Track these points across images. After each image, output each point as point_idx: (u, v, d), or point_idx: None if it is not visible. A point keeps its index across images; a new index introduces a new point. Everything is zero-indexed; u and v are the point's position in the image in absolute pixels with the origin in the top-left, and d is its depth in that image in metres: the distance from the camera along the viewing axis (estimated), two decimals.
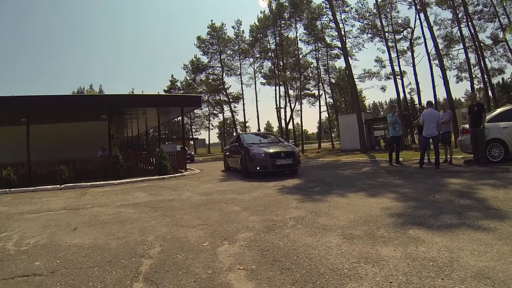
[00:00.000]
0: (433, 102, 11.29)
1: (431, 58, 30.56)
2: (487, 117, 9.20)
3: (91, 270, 2.89)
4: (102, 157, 13.12)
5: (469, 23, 30.42)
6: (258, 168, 9.72)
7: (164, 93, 46.20)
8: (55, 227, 4.71)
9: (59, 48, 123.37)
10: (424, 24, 27.15)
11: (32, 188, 9.87)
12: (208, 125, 56.95)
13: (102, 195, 7.80)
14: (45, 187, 9.90)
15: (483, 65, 30.93)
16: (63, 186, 9.97)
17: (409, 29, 33.94)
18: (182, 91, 50.36)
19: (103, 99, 15.89)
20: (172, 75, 57.15)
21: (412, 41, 34.10)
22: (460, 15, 30.48)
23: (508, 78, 38.89)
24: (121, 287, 2.53)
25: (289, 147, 10.70)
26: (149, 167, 13.68)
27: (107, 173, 11.66)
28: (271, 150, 9.92)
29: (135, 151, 19.78)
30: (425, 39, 30.96)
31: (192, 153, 27.96)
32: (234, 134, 49.99)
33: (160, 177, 11.71)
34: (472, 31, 30.50)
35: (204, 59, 48.81)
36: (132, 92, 53.40)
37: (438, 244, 3.03)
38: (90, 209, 6.05)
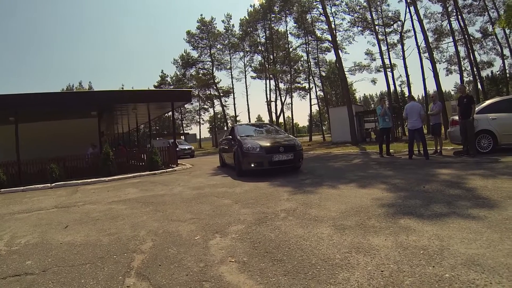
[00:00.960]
0: (414, 96, 11.39)
1: (421, 51, 30.92)
2: (476, 108, 9.30)
3: (83, 267, 2.87)
4: (92, 154, 12.99)
5: (459, 16, 30.71)
6: (252, 166, 8.16)
7: (154, 89, 45.86)
8: (46, 225, 4.65)
9: (47, 46, 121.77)
10: (414, 17, 27.36)
11: (22, 187, 9.72)
12: (199, 120, 56.85)
13: (93, 193, 7.72)
14: (36, 186, 9.76)
15: (472, 58, 31.28)
16: (53, 184, 9.84)
17: (399, 22, 34.17)
18: (172, 86, 50.12)
19: (92, 95, 15.69)
20: (162, 71, 56.90)
21: (402, 34, 34.35)
22: (450, 9, 30.77)
23: (497, 71, 39.29)
24: (114, 283, 2.51)
25: (289, 140, 9.04)
26: (140, 163, 13.57)
27: (98, 170, 11.54)
28: (267, 144, 8.34)
29: (126, 148, 19.62)
30: (415, 32, 31.28)
31: (193, 147, 26.92)
32: (225, 128, 49.85)
33: (151, 172, 11.64)
34: (462, 24, 30.80)
35: (194, 54, 48.72)
36: (122, 88, 52.93)
37: (429, 233, 3.05)
38: (82, 206, 5.99)
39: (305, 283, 2.29)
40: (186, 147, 25.22)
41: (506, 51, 32.11)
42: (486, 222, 3.21)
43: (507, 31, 24.65)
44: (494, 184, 4.88)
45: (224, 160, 11.60)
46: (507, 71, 34.74)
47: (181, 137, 40.41)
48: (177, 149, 18.10)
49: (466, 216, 3.46)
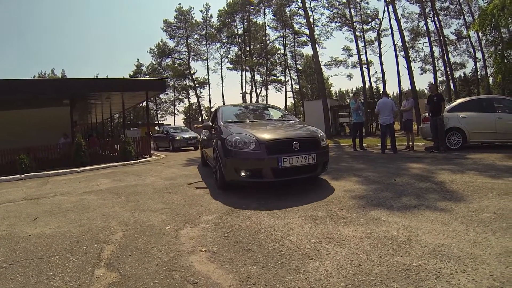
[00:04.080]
0: (387, 92, 11.68)
1: (398, 49, 31.53)
2: (447, 107, 9.65)
3: (52, 259, 2.76)
4: (64, 144, 12.54)
5: (436, 18, 31.53)
6: (243, 175, 4.61)
7: (128, 77, 44.86)
8: (15, 218, 4.42)
9: (18, 31, 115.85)
10: (392, 16, 27.82)
11: None
12: (173, 111, 56.10)
13: (64, 183, 7.45)
14: (4, 178, 9.27)
15: (446, 59, 32.21)
16: (23, 176, 9.40)
17: (377, 20, 34.78)
18: (148, 76, 49.03)
19: (64, 83, 15.09)
20: (138, 60, 55.29)
21: (380, 32, 35.00)
22: (427, 10, 31.55)
23: (469, 73, 40.88)
24: (83, 274, 2.43)
25: (307, 130, 5.41)
26: (114, 154, 13.23)
27: (70, 160, 11.15)
28: (270, 136, 4.79)
29: (98, 138, 19.09)
30: (392, 31, 31.84)
31: (198, 137, 17.17)
32: (200, 119, 49.33)
33: (125, 163, 11.36)
34: (438, 26, 31.65)
35: (171, 43, 47.93)
36: (97, 76, 51.49)
37: (398, 224, 3.09)
38: (52, 198, 5.76)
39: (275, 272, 2.27)
40: (188, 136, 17.97)
41: (479, 54, 33.35)
42: (453, 214, 3.29)
43: (480, 35, 25.47)
44: (462, 179, 5.02)
45: (205, 157, 8.01)
46: (478, 73, 36.07)
47: (156, 127, 39.25)
48: (177, 138, 17.43)
49: (434, 208, 3.54)
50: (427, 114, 9.78)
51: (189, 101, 54.19)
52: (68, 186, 6.97)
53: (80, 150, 11.11)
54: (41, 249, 3.05)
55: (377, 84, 41.89)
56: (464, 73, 42.62)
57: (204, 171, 7.87)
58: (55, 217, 4.29)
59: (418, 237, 2.71)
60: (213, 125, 6.28)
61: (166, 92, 47.84)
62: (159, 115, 57.13)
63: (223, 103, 42.90)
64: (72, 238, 3.30)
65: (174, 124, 41.23)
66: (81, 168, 10.25)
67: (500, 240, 2.56)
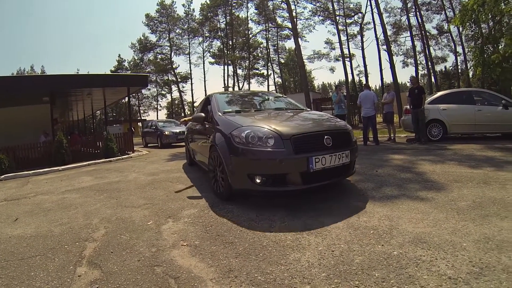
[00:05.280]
0: (369, 85, 11.83)
1: (380, 43, 31.93)
2: (428, 99, 9.84)
3: (33, 260, 2.69)
4: (45, 142, 12.22)
5: (418, 13, 32.08)
6: (258, 182, 3.50)
7: (110, 73, 44.18)
8: None
9: None
10: (375, 10, 28.01)
11: None
12: (156, 106, 55.73)
13: (46, 183, 7.27)
14: None
15: (428, 53, 32.86)
16: (3, 177, 9.09)
17: (360, 14, 35.04)
18: (129, 71, 48.37)
19: (43, 79, 14.64)
20: (119, 55, 54.90)
21: (362, 26, 35.26)
22: (409, 5, 32.03)
23: (450, 66, 41.78)
24: (64, 273, 2.38)
25: (334, 121, 4.49)
26: (96, 151, 12.99)
27: (51, 159, 10.88)
28: (295, 129, 3.71)
29: (80, 135, 18.68)
30: (374, 24, 32.22)
31: None
32: (183, 114, 48.88)
33: (107, 160, 11.16)
34: (420, 20, 32.22)
35: (153, 38, 47.61)
36: (77, 73, 50.49)
37: (379, 214, 3.11)
38: (33, 198, 5.60)
39: (256, 264, 2.26)
40: (178, 130, 16.21)
41: (459, 48, 34.13)
42: (433, 203, 3.33)
43: (461, 30, 25.98)
44: (442, 169, 5.10)
45: (193, 155, 6.81)
46: (459, 67, 36.85)
47: (138, 123, 38.09)
48: (165, 133, 16.25)
49: (415, 198, 3.58)
50: (408, 107, 9.92)
51: (171, 96, 53.98)
52: (49, 185, 6.81)
53: (61, 148, 10.85)
54: (22, 250, 2.97)
55: (359, 77, 42.45)
56: (445, 67, 43.61)
57: (191, 171, 6.86)
58: (36, 217, 4.18)
59: (399, 226, 2.74)
60: (204, 116, 5.05)
61: (148, 88, 47.67)
62: (141, 111, 56.68)
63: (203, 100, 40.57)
64: (53, 237, 3.23)
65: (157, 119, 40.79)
66: (62, 167, 10.02)
67: (479, 227, 2.60)
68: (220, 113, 4.63)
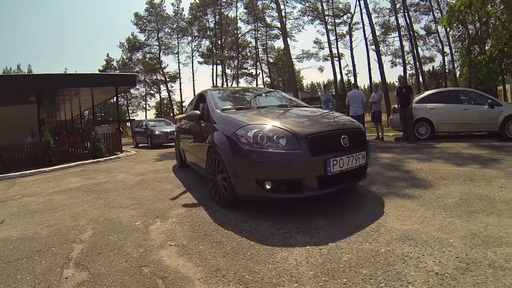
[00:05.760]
0: (358, 84, 11.94)
1: (368, 43, 32.28)
2: (416, 98, 9.97)
3: (19, 263, 2.63)
4: (32, 143, 12.02)
5: (406, 13, 32.51)
6: (268, 188, 3.09)
7: (98, 73, 43.76)
8: None
9: None
10: (364, 10, 28.29)
11: None
12: (145, 106, 55.37)
13: (33, 184, 7.14)
14: None
15: (416, 53, 33.31)
16: None
17: (349, 14, 35.44)
18: (118, 71, 47.94)
19: (30, 79, 14.39)
20: (108, 54, 54.25)
21: (351, 26, 35.66)
22: (398, 6, 32.38)
23: (438, 66, 42.38)
24: (51, 276, 2.33)
25: (347, 119, 4.18)
26: (84, 151, 12.83)
27: (39, 160, 10.70)
28: (310, 127, 3.37)
29: (67, 135, 18.41)
30: (363, 25, 32.51)
31: None
32: (172, 114, 48.53)
33: (95, 160, 11.03)
34: (408, 21, 32.68)
35: (142, 37, 47.21)
36: (65, 72, 49.80)
37: (367, 211, 3.14)
38: (19, 199, 5.49)
39: (244, 263, 2.25)
40: (169, 130, 15.51)
41: (447, 49, 34.68)
42: (421, 200, 3.37)
43: (448, 31, 26.42)
44: (429, 167, 5.16)
45: (184, 156, 6.37)
46: (446, 67, 37.41)
47: (127, 123, 37.48)
48: (156, 132, 15.63)
49: (403, 195, 3.62)
50: (396, 106, 10.02)
51: (160, 96, 53.72)
52: (36, 187, 6.70)
53: (49, 149, 10.67)
54: (8, 252, 2.90)
55: (348, 77, 42.81)
56: (433, 67, 44.18)
57: (180, 171, 6.73)
58: (22, 219, 4.10)
59: (386, 224, 2.75)
60: (200, 114, 4.61)
61: (137, 87, 47.43)
62: (130, 111, 56.22)
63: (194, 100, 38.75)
64: (40, 239, 3.17)
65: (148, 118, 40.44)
66: (50, 168, 9.87)
67: (465, 224, 2.64)
68: (218, 110, 4.21)
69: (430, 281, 1.85)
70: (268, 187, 3.07)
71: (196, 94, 6.16)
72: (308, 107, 4.92)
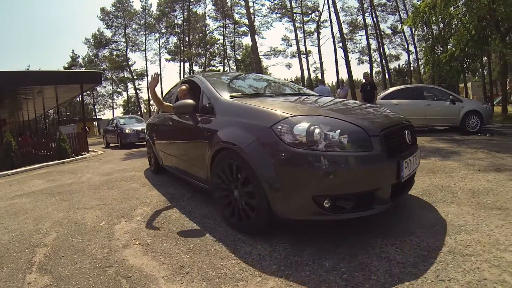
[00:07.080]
0: (324, 80, 12.24)
1: (336, 40, 32.97)
2: (381, 95, 10.33)
3: None
4: None
5: (373, 13, 33.49)
6: (327, 206, 2.20)
7: (62, 70, 42.25)
8: None
9: None
10: (332, 9, 28.84)
11: None
12: (112, 104, 53.93)
13: None
14: None
15: (382, 51, 34.33)
16: None
17: (317, 12, 36.00)
18: (84, 68, 46.42)
19: None
20: (73, 51, 52.11)
21: (319, 23, 36.34)
22: (365, 5, 33.23)
23: (403, 64, 43.91)
24: (13, 282, 2.27)
25: (386, 110, 3.11)
26: (49, 152, 12.36)
27: (0, 163, 10.23)
28: (375, 121, 2.53)
29: (31, 136, 17.70)
30: (331, 23, 33.16)
31: None
32: (139, 113, 47.48)
33: (60, 161, 10.67)
34: (375, 20, 33.70)
35: (108, 33, 46.00)
36: (28, 69, 47.76)
37: None
38: None
39: (208, 259, 2.28)
40: (140, 128, 14.33)
41: (412, 48, 36.17)
42: None
43: (413, 30, 27.39)
44: None
45: (160, 159, 5.25)
46: (411, 65, 38.82)
47: (94, 122, 35.77)
48: (125, 131, 14.59)
49: None
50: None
51: (127, 94, 52.58)
52: None
53: (10, 151, 10.20)
54: None
55: (315, 74, 43.49)
56: (399, 65, 45.72)
57: (147, 169, 6.51)
58: None
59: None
60: (194, 106, 3.41)
61: (104, 85, 46.19)
62: (97, 110, 54.58)
63: (162, 95, 35.83)
64: (1, 245, 3.06)
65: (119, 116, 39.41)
66: (12, 171, 9.45)
67: (426, 214, 2.78)
68: (225, 98, 3.19)
69: (392, 270, 1.92)
70: (327, 205, 2.21)
71: (178, 82, 5.09)
72: (316, 95, 3.99)
